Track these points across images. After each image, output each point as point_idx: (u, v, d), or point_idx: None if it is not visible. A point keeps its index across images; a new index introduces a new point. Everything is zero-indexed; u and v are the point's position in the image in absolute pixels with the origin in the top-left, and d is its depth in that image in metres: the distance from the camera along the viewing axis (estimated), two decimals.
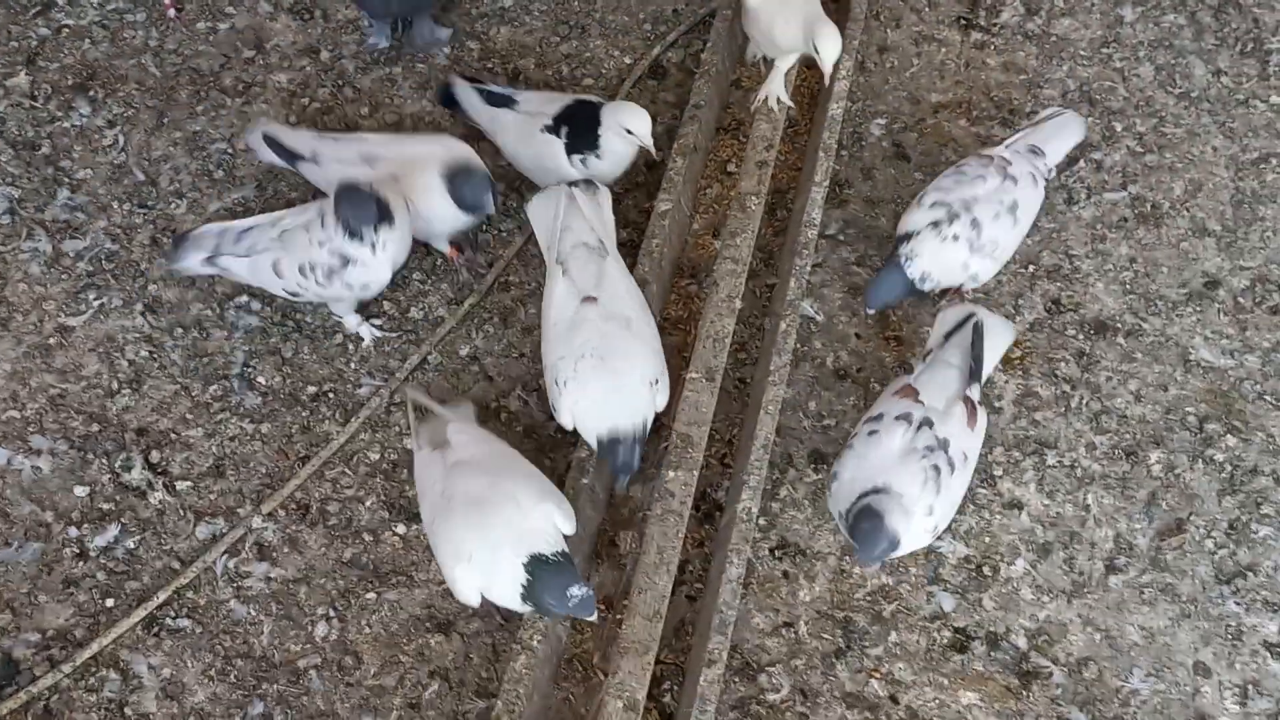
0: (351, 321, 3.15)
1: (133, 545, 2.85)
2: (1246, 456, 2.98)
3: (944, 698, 2.67)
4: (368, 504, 2.92)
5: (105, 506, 2.90)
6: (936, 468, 2.55)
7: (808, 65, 3.75)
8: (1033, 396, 3.10)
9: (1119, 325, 3.22)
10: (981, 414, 2.72)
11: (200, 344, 3.17)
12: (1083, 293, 3.27)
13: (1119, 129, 3.60)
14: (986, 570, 2.84)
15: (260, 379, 3.13)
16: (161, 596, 2.76)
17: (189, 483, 2.96)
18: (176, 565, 2.83)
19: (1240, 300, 3.24)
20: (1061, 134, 3.22)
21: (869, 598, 2.80)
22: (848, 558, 2.84)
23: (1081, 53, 3.78)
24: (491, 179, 3.05)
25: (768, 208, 3.37)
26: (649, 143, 3.05)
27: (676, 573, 2.70)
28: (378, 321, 3.19)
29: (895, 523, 2.47)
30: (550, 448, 2.99)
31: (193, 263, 3.08)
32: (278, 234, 2.99)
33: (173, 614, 2.77)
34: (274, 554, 2.86)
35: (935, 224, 2.89)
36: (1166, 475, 2.98)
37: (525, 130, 3.21)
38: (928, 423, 2.59)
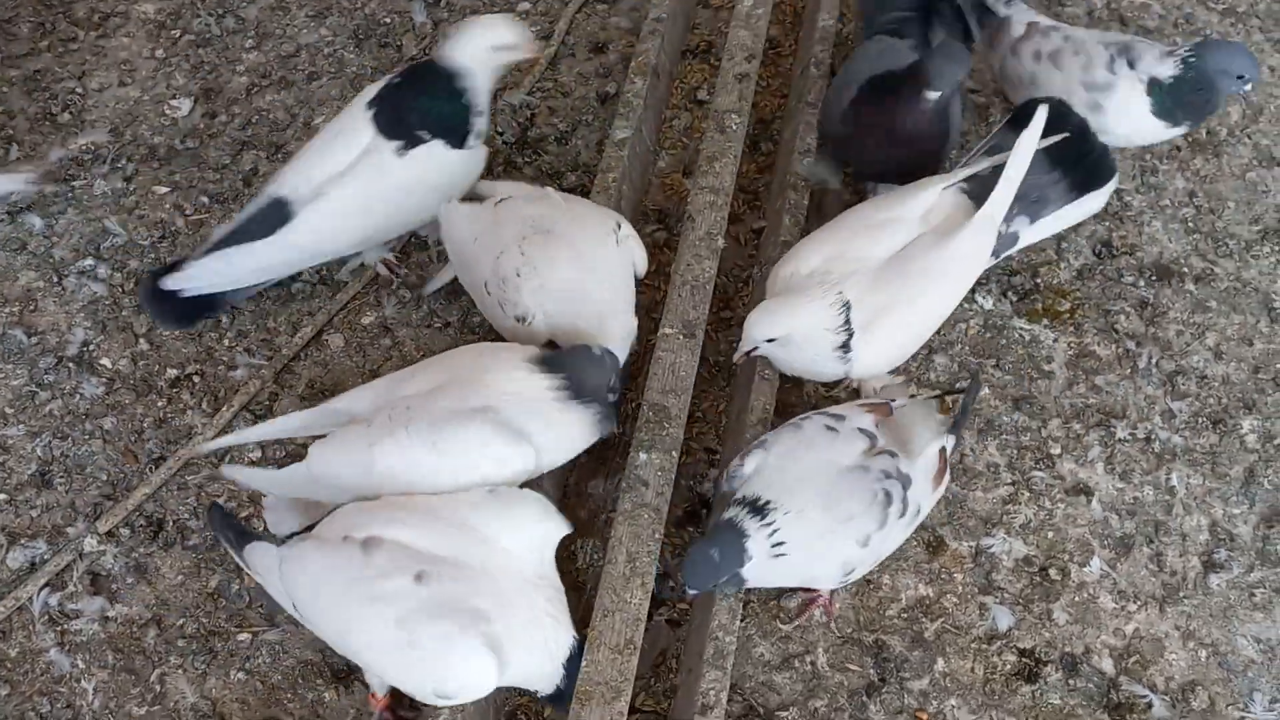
0: None
1: None
2: None
3: None
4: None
5: None
6: (889, 494, 1.93)
7: None
8: (1089, 357, 2.48)
9: (1185, 269, 2.62)
10: (947, 477, 2.08)
11: (28, 318, 2.46)
12: (1137, 233, 2.68)
13: None
14: (1054, 573, 2.19)
15: (104, 361, 2.42)
16: None
17: (3, 495, 2.25)
18: None
19: None
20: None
21: (905, 615, 2.14)
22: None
23: None
24: None
25: (749, 141, 2.74)
26: (530, 49, 2.31)
27: (654, 589, 2.01)
28: None
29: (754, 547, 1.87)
30: None
31: None
32: None
33: None
34: (113, 586, 2.15)
35: None
36: (1264, 447, 2.36)
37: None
38: (890, 454, 1.98)
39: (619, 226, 2.21)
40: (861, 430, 1.98)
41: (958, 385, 2.24)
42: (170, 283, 2.26)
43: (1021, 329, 2.52)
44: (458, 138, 2.28)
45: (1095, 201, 2.38)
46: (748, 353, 2.12)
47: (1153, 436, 2.37)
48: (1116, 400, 2.42)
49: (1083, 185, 2.32)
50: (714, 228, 2.37)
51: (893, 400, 2.08)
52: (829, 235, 2.23)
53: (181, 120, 2.81)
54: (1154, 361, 2.47)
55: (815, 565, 1.95)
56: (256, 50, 2.95)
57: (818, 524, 1.89)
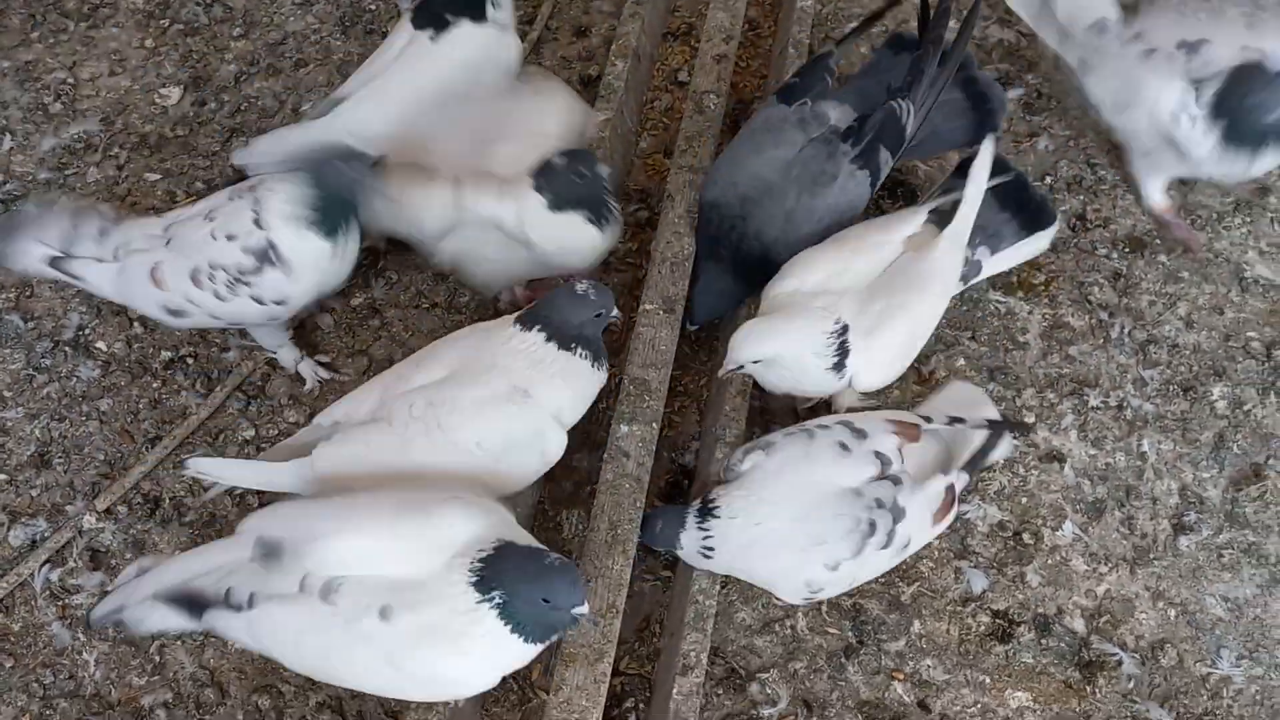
0: (287, 357, 2.39)
1: None
2: None
3: (987, 700, 2.07)
4: (237, 492, 2.27)
5: None
6: (872, 524, 1.94)
7: None
8: (1063, 328, 2.53)
9: (1158, 241, 2.67)
10: (953, 513, 2.09)
11: (24, 303, 2.52)
12: (1111, 206, 2.73)
13: None
14: (1027, 538, 2.25)
15: (100, 344, 2.47)
16: None
17: (3, 476, 2.31)
18: None
19: None
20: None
21: (882, 580, 2.20)
22: None
23: None
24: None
25: (729, 122, 2.79)
26: None
27: (636, 555, 2.08)
28: (323, 358, 2.46)
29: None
30: None
31: (28, 258, 2.21)
32: (164, 227, 2.20)
33: None
34: (112, 561, 2.21)
35: None
36: (1234, 412, 2.42)
37: None
38: (896, 480, 1.99)
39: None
40: (878, 454, 1.98)
41: (972, 420, 2.15)
42: (236, 158, 2.48)
43: (997, 301, 2.57)
44: (479, 10, 2.39)
45: (1042, 241, 2.46)
46: (732, 370, 2.09)
47: (1125, 404, 2.43)
48: (1089, 369, 2.48)
49: (1030, 225, 2.42)
50: (693, 205, 2.42)
51: (926, 422, 2.07)
52: (831, 252, 2.24)
53: (171, 108, 2.86)
54: (1126, 331, 2.53)
55: (763, 572, 1.98)
56: (244, 38, 3.00)
57: (775, 538, 1.92)
